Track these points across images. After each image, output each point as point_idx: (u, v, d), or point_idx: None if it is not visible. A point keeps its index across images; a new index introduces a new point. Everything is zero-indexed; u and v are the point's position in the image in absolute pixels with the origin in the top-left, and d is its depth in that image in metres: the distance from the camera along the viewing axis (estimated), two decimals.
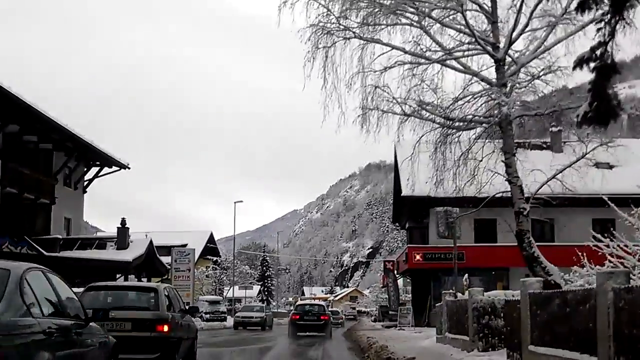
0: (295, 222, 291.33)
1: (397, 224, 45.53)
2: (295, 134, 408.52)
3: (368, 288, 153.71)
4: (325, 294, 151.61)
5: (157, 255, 34.22)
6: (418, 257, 33.05)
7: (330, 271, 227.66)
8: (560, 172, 16.18)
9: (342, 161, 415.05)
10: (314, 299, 79.13)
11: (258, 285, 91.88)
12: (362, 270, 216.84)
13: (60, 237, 31.58)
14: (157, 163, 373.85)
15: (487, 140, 16.86)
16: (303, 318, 28.38)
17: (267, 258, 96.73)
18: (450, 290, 20.93)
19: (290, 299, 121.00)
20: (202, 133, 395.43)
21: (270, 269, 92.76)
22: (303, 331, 27.66)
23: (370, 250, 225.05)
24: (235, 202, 50.21)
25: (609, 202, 12.88)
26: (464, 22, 15.76)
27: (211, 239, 58.78)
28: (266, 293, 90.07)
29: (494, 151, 16.47)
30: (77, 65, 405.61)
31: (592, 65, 7.07)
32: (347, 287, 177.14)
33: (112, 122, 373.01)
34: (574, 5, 12.20)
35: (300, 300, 55.21)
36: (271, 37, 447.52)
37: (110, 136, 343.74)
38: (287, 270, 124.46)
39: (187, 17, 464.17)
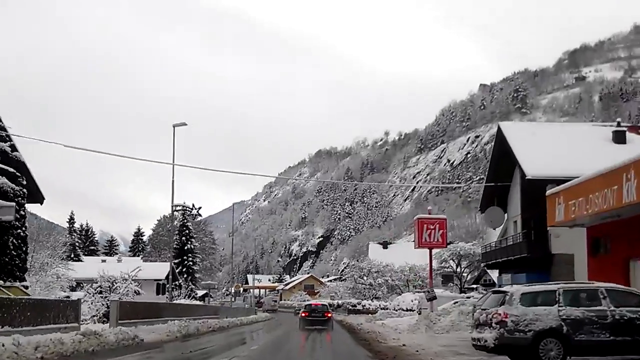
0: (242, 212, 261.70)
1: None
2: (241, 122, 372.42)
3: (323, 277, 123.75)
4: (273, 282, 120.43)
5: None
6: None
7: (278, 261, 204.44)
8: None
9: (291, 148, 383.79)
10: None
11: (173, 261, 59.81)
12: (311, 260, 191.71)
13: None
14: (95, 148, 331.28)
15: None
16: (311, 315, 32.74)
17: (190, 225, 60.24)
18: None
19: (232, 289, 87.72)
20: (147, 121, 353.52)
21: (193, 242, 56.36)
22: (311, 325, 31.48)
23: (321, 239, 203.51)
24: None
25: None
26: None
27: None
28: (186, 275, 54.01)
29: None
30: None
31: None
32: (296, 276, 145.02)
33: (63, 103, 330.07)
34: None
35: (306, 301, 55.75)
36: (217, 22, 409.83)
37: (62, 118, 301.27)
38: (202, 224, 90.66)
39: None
